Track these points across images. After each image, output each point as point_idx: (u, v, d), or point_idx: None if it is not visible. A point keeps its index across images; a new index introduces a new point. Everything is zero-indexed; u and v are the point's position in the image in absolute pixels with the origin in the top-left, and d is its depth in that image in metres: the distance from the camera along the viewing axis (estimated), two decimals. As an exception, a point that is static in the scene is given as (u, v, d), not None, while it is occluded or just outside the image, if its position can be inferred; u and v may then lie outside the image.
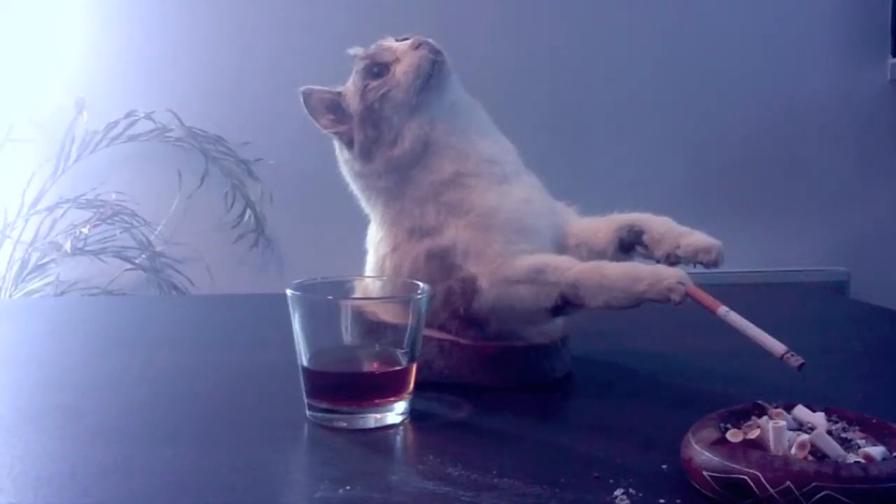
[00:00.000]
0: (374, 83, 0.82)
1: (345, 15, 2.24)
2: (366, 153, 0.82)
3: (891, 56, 2.44)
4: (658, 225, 0.80)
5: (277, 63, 2.26)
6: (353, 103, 0.83)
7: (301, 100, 0.85)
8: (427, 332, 0.77)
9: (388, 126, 0.81)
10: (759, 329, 0.65)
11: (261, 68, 2.28)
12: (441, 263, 0.78)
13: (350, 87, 0.85)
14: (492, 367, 0.79)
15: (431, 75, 0.81)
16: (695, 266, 0.77)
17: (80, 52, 2.27)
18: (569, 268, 0.76)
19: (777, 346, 0.63)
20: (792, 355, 0.62)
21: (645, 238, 0.80)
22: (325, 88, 0.85)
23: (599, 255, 0.81)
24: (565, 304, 0.76)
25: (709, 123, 2.44)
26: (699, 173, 2.43)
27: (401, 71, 0.81)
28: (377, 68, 0.83)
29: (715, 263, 0.76)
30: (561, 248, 0.82)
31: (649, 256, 0.81)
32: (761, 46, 2.45)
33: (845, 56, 2.48)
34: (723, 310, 0.67)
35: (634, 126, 2.40)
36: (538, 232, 0.81)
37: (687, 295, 0.70)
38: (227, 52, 2.28)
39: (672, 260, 0.77)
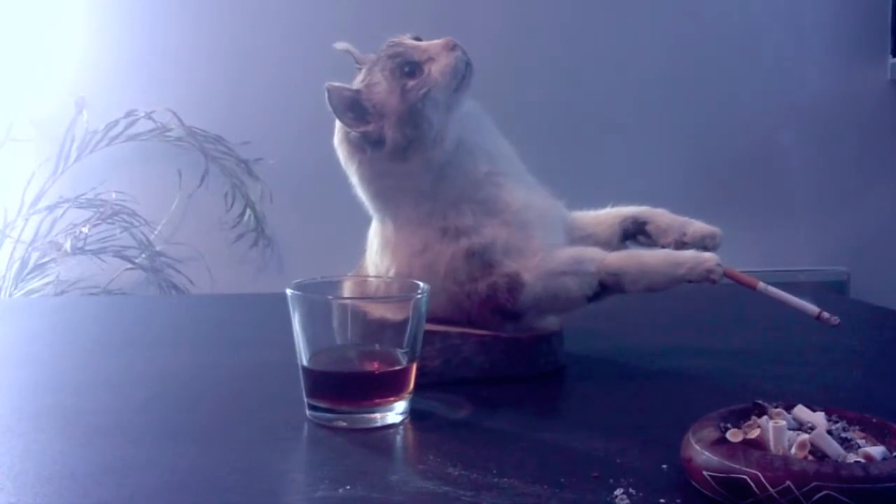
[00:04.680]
0: (413, 82, 0.81)
1: (345, 14, 2.24)
2: (401, 153, 0.81)
3: (891, 56, 2.44)
4: (661, 216, 0.87)
5: (278, 63, 2.26)
6: (388, 103, 0.81)
7: (326, 96, 0.81)
8: (461, 329, 0.81)
9: (428, 126, 0.81)
10: (795, 297, 0.74)
11: (261, 68, 2.28)
12: (481, 261, 0.81)
13: (380, 85, 0.82)
14: (527, 356, 0.83)
15: (465, 76, 0.82)
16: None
17: (80, 52, 2.27)
18: (604, 257, 0.81)
19: (812, 308, 0.73)
20: (829, 315, 0.72)
21: (649, 228, 0.87)
22: (346, 86, 0.83)
23: (604, 245, 0.86)
24: (603, 291, 0.81)
25: (709, 123, 2.44)
26: (699, 173, 2.43)
27: (438, 70, 0.81)
28: (409, 67, 0.81)
29: (716, 248, 0.83)
30: (570, 239, 0.86)
31: (651, 245, 0.87)
32: (761, 46, 2.45)
33: (845, 56, 2.48)
34: (762, 285, 0.76)
35: (634, 126, 2.40)
36: (558, 227, 0.86)
37: (725, 275, 0.77)
38: (226, 52, 2.28)
39: (678, 246, 0.84)
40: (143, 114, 2.22)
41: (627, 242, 0.89)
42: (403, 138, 0.81)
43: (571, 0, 2.38)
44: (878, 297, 1.57)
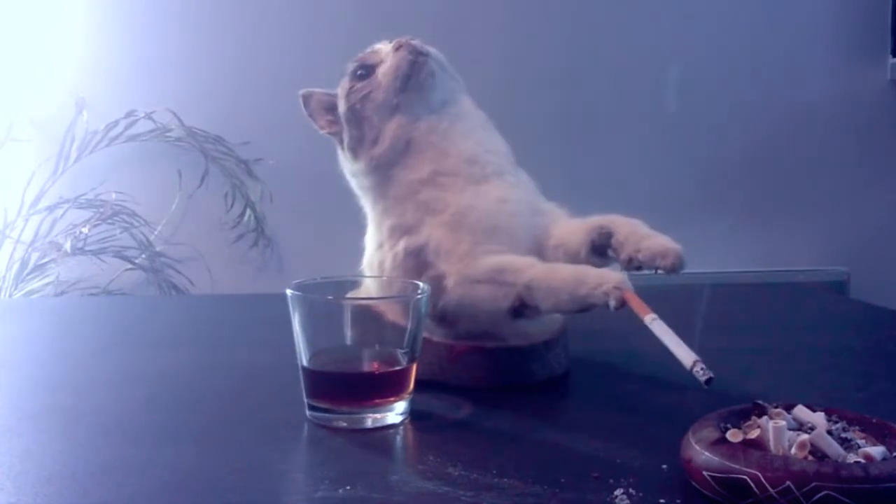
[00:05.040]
0: (359, 85, 0.84)
1: (345, 15, 2.24)
2: (353, 152, 0.85)
3: (891, 56, 2.44)
4: (624, 227, 0.78)
5: (278, 63, 2.26)
6: (339, 105, 0.86)
7: (301, 102, 0.87)
8: None
9: (369, 126, 0.83)
10: (678, 339, 0.63)
11: (261, 68, 2.28)
12: (416, 261, 0.80)
13: (339, 89, 0.87)
14: (461, 365, 0.79)
15: (410, 76, 0.83)
16: (655, 271, 0.74)
17: (80, 52, 2.27)
18: (528, 268, 0.75)
19: (688, 357, 0.61)
20: (702, 368, 0.60)
21: (612, 241, 0.78)
22: (324, 91, 0.88)
23: (573, 257, 0.80)
24: (523, 306, 0.75)
25: (709, 123, 2.44)
26: (700, 173, 2.43)
27: (381, 72, 0.84)
28: (363, 71, 0.85)
29: (672, 269, 0.72)
30: (541, 249, 0.81)
31: (616, 260, 0.78)
32: (761, 46, 2.44)
33: (845, 56, 2.47)
34: (649, 317, 0.66)
35: (635, 126, 2.40)
36: (511, 232, 0.80)
37: (623, 300, 0.68)
38: (227, 52, 2.28)
39: (634, 264, 0.75)
40: (143, 114, 2.22)
41: (606, 257, 0.80)
42: (350, 139, 0.85)
43: (572, 1, 2.38)
44: (878, 297, 1.57)
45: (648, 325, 0.66)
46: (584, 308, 0.71)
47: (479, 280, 0.76)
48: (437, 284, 0.77)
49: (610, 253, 0.79)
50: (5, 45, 2.23)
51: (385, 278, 0.82)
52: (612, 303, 0.69)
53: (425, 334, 0.78)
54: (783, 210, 2.48)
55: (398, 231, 0.81)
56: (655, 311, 0.66)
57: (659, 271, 0.74)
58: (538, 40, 2.37)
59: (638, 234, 0.76)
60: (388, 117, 0.83)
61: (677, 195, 2.36)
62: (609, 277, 0.70)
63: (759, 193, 2.46)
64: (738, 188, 2.44)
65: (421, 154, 0.82)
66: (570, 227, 0.82)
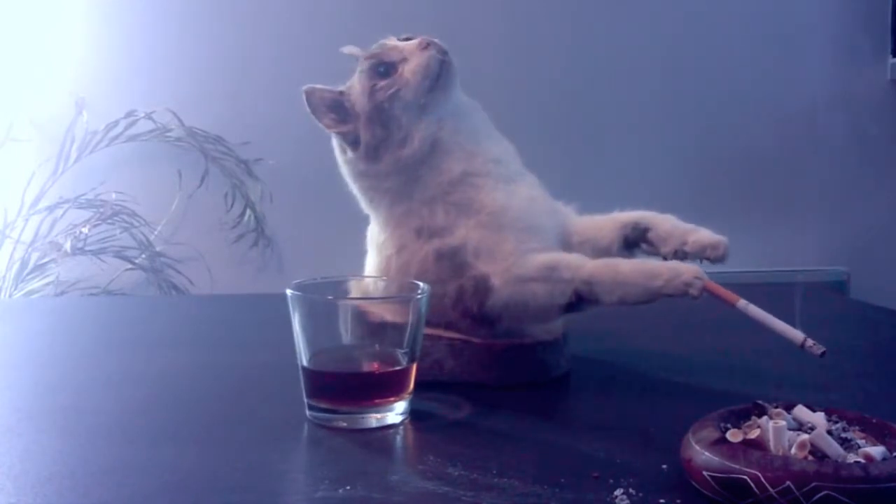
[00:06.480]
0: (383, 83, 0.81)
1: (345, 14, 2.24)
2: (372, 153, 0.82)
3: (891, 56, 2.44)
4: (664, 222, 0.82)
5: (278, 63, 2.26)
6: (359, 103, 0.83)
7: (304, 99, 0.84)
8: (435, 331, 0.78)
9: (397, 126, 0.81)
10: (779, 320, 0.68)
11: (261, 68, 2.28)
12: (451, 263, 0.79)
13: (355, 86, 0.84)
14: (502, 364, 0.80)
15: (440, 75, 0.81)
16: (701, 262, 0.78)
17: (80, 52, 2.27)
18: (581, 265, 0.77)
19: (797, 335, 0.67)
20: (813, 343, 0.65)
21: (650, 235, 0.82)
22: (328, 88, 0.85)
23: (603, 252, 0.82)
24: (579, 301, 0.77)
25: (709, 123, 2.44)
26: (699, 173, 2.43)
27: (409, 70, 0.81)
28: (384, 67, 0.82)
29: (722, 259, 0.78)
30: (565, 245, 0.83)
31: (654, 253, 0.82)
32: (761, 46, 2.44)
33: (845, 56, 2.47)
34: (742, 303, 0.70)
35: (635, 126, 2.40)
36: (545, 230, 0.82)
37: (705, 289, 0.72)
38: (227, 52, 2.29)
39: (679, 256, 0.79)
40: (143, 114, 2.22)
41: (635, 251, 0.84)
42: (373, 138, 0.82)
43: (573, 2, 2.38)
44: (878, 297, 1.57)
45: (743, 311, 0.70)
46: (655, 299, 0.74)
47: (532, 278, 0.77)
48: (481, 285, 0.78)
49: (643, 247, 0.82)
50: (5, 45, 2.23)
51: (385, 278, 0.82)
52: (695, 292, 0.72)
53: (460, 337, 0.79)
54: (783, 210, 2.48)
55: (426, 233, 0.80)
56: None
57: (704, 262, 0.78)
58: (539, 40, 2.36)
59: (680, 227, 0.80)
60: (416, 117, 0.81)
61: (677, 195, 2.36)
62: (684, 268, 0.73)
63: (760, 193, 2.46)
64: (739, 188, 2.44)
65: (449, 155, 0.81)
66: (597, 224, 0.85)
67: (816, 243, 2.49)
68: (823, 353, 0.65)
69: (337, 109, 0.84)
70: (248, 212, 2.27)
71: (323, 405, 0.69)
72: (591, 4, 2.39)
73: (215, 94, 2.28)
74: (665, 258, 0.80)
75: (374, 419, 0.69)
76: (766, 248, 2.43)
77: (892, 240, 2.49)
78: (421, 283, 0.73)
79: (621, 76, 2.39)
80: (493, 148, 0.84)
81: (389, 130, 0.81)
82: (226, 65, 2.28)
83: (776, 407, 0.58)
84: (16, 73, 2.24)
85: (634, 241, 0.83)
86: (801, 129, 2.47)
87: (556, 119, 2.35)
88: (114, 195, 2.21)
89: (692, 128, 2.43)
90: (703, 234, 0.79)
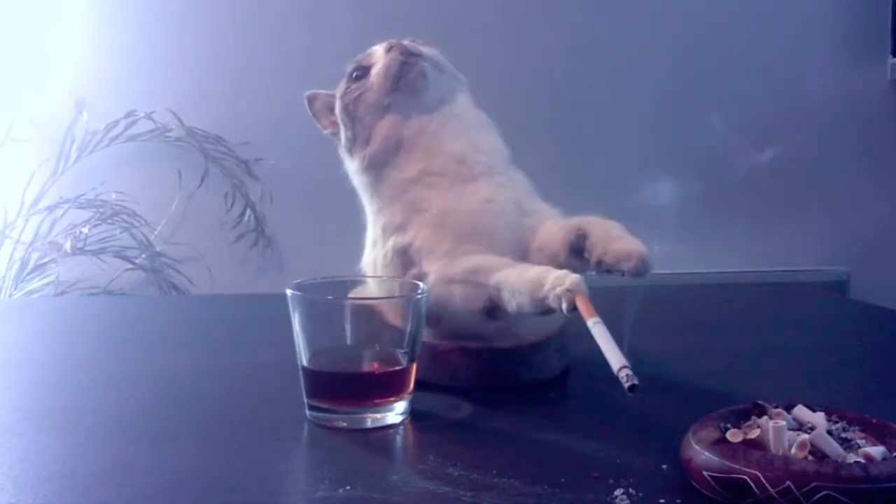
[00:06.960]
0: (353, 86, 0.85)
1: (345, 15, 2.24)
2: (348, 152, 0.87)
3: (891, 56, 2.44)
4: (597, 229, 0.76)
5: (278, 63, 2.26)
6: (335, 105, 0.88)
7: (305, 103, 0.89)
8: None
9: (361, 126, 0.84)
10: (614, 345, 0.62)
11: (261, 68, 2.28)
12: (402, 260, 0.80)
13: (336, 90, 0.88)
14: (443, 365, 0.79)
15: (400, 77, 0.83)
16: (622, 275, 0.72)
17: (80, 52, 2.27)
18: (498, 269, 0.74)
19: (616, 362, 0.60)
20: (627, 375, 0.58)
21: (587, 242, 0.76)
22: (328, 92, 0.89)
23: (553, 258, 0.78)
24: (495, 308, 0.74)
25: (709, 124, 2.43)
26: (699, 173, 2.42)
27: (374, 73, 0.85)
28: (360, 72, 0.86)
29: (639, 273, 0.70)
30: (525, 250, 0.80)
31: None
32: (761, 46, 2.44)
33: (845, 56, 2.47)
34: (591, 321, 0.64)
35: (635, 126, 2.40)
36: (494, 233, 0.79)
37: (573, 303, 0.66)
38: (227, 52, 2.28)
39: (603, 268, 0.73)
40: (143, 114, 2.22)
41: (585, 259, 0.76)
42: (345, 139, 0.87)
43: (573, 2, 2.38)
44: (878, 297, 1.57)
45: (590, 329, 0.63)
46: (545, 311, 0.69)
47: (455, 280, 0.76)
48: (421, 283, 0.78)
49: (585, 255, 0.76)
50: (5, 45, 2.23)
51: (385, 278, 0.82)
52: (564, 305, 0.66)
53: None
54: (783, 210, 2.48)
55: (389, 230, 0.82)
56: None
57: (624, 275, 0.71)
58: (539, 40, 2.36)
59: (609, 235, 0.75)
60: (378, 117, 0.84)
61: (677, 196, 2.36)
62: (562, 279, 0.67)
63: (759, 193, 2.46)
64: (739, 188, 2.44)
65: (410, 154, 0.83)
66: (553, 229, 0.80)
67: (816, 243, 2.49)
68: (633, 388, 0.58)
69: (334, 111, 0.89)
70: (248, 212, 2.27)
71: (323, 405, 0.69)
72: (592, 4, 2.39)
73: (215, 94, 2.28)
74: (593, 270, 0.74)
75: (374, 419, 0.69)
76: (767, 248, 2.44)
77: (892, 240, 2.49)
78: (421, 284, 0.73)
79: (621, 76, 2.39)
80: (459, 147, 0.82)
81: (355, 131, 0.85)
82: (226, 65, 2.28)
83: (776, 407, 0.58)
84: (16, 73, 2.24)
85: (579, 249, 0.77)
86: (801, 129, 2.47)
87: (555, 119, 2.35)
88: (114, 195, 2.21)
89: (693, 128, 2.43)
90: (621, 245, 0.72)
